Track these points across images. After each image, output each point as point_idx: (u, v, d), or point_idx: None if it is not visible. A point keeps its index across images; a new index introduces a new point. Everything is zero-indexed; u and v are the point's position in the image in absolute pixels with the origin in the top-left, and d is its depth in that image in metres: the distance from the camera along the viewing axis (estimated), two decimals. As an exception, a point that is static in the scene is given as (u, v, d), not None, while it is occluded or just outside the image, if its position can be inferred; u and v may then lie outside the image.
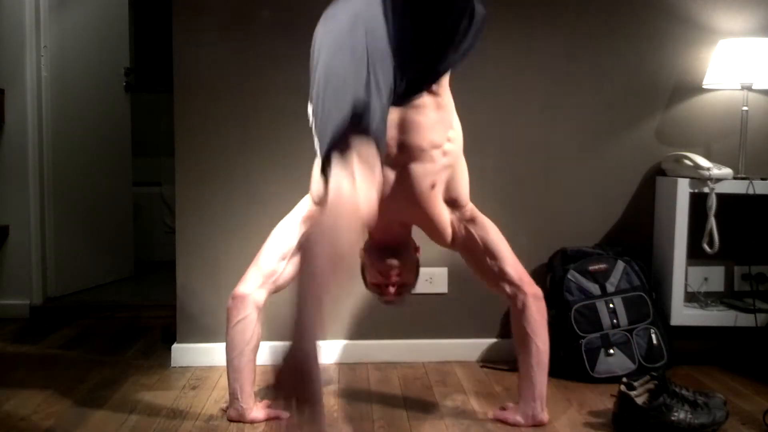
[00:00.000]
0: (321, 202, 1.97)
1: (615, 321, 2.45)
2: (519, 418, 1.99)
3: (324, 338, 2.62)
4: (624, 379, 1.99)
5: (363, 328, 2.59)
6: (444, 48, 1.78)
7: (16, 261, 3.37)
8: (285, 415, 2.04)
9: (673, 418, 1.89)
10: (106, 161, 3.95)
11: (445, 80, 1.92)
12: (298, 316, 1.40)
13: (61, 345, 2.84)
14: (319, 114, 1.64)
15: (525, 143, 2.63)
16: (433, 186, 1.89)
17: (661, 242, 2.60)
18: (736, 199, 2.51)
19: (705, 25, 2.62)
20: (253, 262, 2.00)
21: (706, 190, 2.44)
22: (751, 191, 2.43)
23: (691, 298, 2.63)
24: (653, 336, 2.44)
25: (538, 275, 2.55)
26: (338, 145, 1.55)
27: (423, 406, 2.16)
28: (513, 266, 1.98)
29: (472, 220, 2.00)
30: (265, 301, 1.98)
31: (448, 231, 1.99)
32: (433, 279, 2.58)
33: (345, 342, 2.61)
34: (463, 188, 1.99)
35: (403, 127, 1.83)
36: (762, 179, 2.47)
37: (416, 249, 2.04)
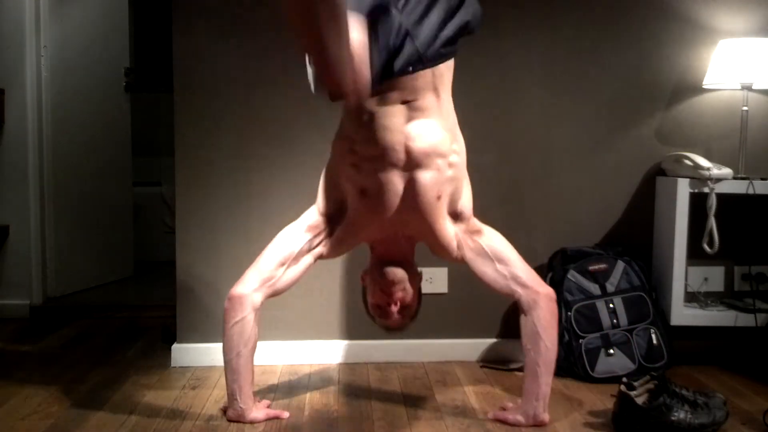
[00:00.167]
0: (326, 214, 2.00)
1: (615, 321, 2.45)
2: (519, 418, 1.99)
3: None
4: (624, 379, 1.99)
5: (363, 328, 2.58)
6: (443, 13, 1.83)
7: (16, 261, 3.37)
8: (285, 414, 2.05)
9: (673, 418, 1.89)
10: (106, 161, 3.95)
11: (446, 81, 1.93)
12: None
13: (61, 345, 2.84)
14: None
15: (525, 143, 2.63)
16: (438, 197, 1.91)
17: (661, 242, 2.60)
18: (736, 199, 2.51)
19: (705, 25, 2.62)
20: (253, 264, 2.01)
21: (706, 190, 2.44)
22: (751, 191, 2.43)
23: (691, 298, 2.63)
24: (653, 336, 2.44)
25: (538, 275, 2.54)
26: None
27: (423, 406, 2.16)
28: (523, 269, 2.00)
29: (478, 231, 2.02)
30: (261, 304, 1.98)
31: (453, 245, 2.01)
32: (433, 279, 2.58)
33: (345, 342, 2.62)
34: (467, 201, 2.02)
35: (410, 133, 1.85)
36: (762, 179, 2.47)
37: (419, 275, 2.07)
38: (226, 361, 1.99)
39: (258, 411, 2.02)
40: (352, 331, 2.62)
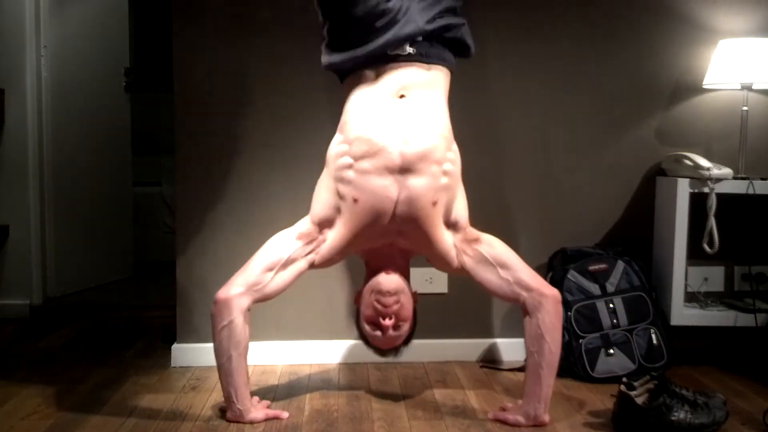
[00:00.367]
0: (320, 223, 1.99)
1: (615, 321, 2.45)
2: (520, 418, 1.99)
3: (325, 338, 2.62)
4: (624, 379, 1.99)
5: (363, 328, 2.58)
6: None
7: (16, 261, 3.37)
8: (284, 415, 2.05)
9: (673, 418, 1.89)
10: (106, 161, 3.95)
11: (442, 85, 1.96)
12: None
13: (61, 345, 2.84)
14: None
15: (525, 143, 2.63)
16: (434, 204, 1.92)
17: (661, 242, 2.60)
18: (736, 199, 2.51)
19: (705, 25, 2.62)
20: (241, 269, 2.01)
21: (706, 190, 2.44)
22: (751, 191, 2.43)
23: (691, 298, 2.63)
24: (653, 336, 2.44)
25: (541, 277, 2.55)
26: None
27: (423, 406, 2.16)
28: (527, 272, 2.00)
29: (476, 240, 2.02)
30: (249, 307, 1.98)
31: (452, 255, 2.01)
32: (433, 279, 2.58)
33: (345, 342, 2.61)
34: (463, 212, 2.03)
35: (404, 136, 1.89)
36: (762, 179, 2.47)
37: (415, 294, 2.06)
38: (218, 365, 1.99)
39: (257, 411, 2.02)
40: (352, 331, 2.61)
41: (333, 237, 1.99)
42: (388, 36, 1.93)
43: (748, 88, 2.51)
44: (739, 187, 2.44)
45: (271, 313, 2.51)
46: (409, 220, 1.92)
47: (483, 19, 2.53)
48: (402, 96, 1.94)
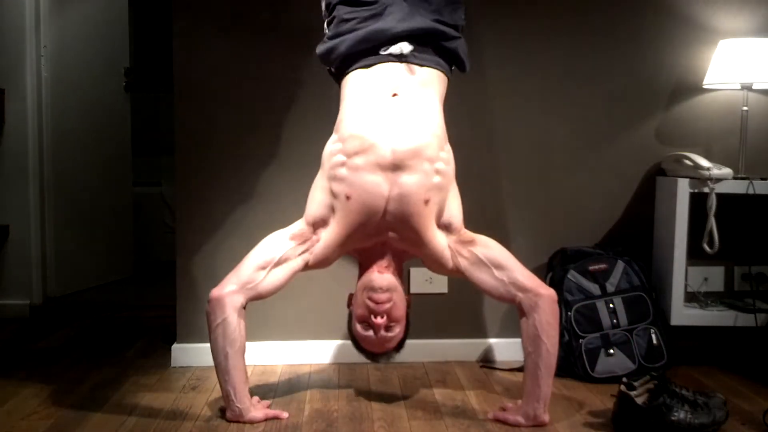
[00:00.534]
0: (314, 223, 2.00)
1: (615, 321, 2.45)
2: (519, 418, 1.99)
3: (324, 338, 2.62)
4: (624, 379, 1.99)
5: (363, 328, 2.58)
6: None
7: (16, 261, 3.37)
8: (284, 415, 2.05)
9: (673, 418, 1.89)
10: (106, 161, 3.95)
11: (436, 86, 1.97)
12: None
13: (61, 345, 2.84)
14: None
15: (525, 143, 2.63)
16: (426, 202, 1.93)
17: (661, 242, 2.60)
18: (736, 199, 2.51)
19: (705, 25, 2.62)
20: (234, 268, 2.01)
21: (706, 190, 2.44)
22: (751, 191, 2.43)
23: (691, 298, 2.63)
24: (653, 336, 2.44)
25: (538, 275, 2.53)
26: None
27: (423, 406, 2.16)
28: (522, 273, 2.00)
29: (471, 241, 2.03)
30: (243, 305, 1.98)
31: (446, 256, 2.02)
32: (433, 279, 2.58)
33: (345, 342, 2.61)
34: (457, 213, 2.03)
35: (396, 132, 1.91)
36: (762, 179, 2.47)
37: (408, 298, 2.06)
38: (216, 364, 1.99)
39: (257, 411, 2.02)
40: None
41: (327, 236, 2.00)
42: (376, 26, 1.98)
43: (748, 88, 2.51)
44: (739, 187, 2.44)
45: (271, 313, 2.51)
46: (401, 217, 1.93)
47: (483, 18, 2.53)
48: (395, 95, 1.97)
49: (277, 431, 1.96)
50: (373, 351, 2.05)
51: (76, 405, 2.14)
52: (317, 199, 2.01)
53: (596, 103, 2.64)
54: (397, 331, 2.01)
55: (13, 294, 3.36)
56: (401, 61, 1.99)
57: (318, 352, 2.61)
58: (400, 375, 2.46)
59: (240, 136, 2.56)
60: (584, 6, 2.61)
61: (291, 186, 2.54)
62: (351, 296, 2.06)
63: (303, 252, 2.01)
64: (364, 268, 2.06)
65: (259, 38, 2.53)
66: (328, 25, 2.11)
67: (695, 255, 2.52)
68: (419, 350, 2.61)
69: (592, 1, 2.61)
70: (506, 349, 2.63)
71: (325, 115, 2.47)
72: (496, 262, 2.00)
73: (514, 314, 2.61)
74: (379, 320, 1.95)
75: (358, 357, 2.58)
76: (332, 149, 1.99)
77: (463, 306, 2.63)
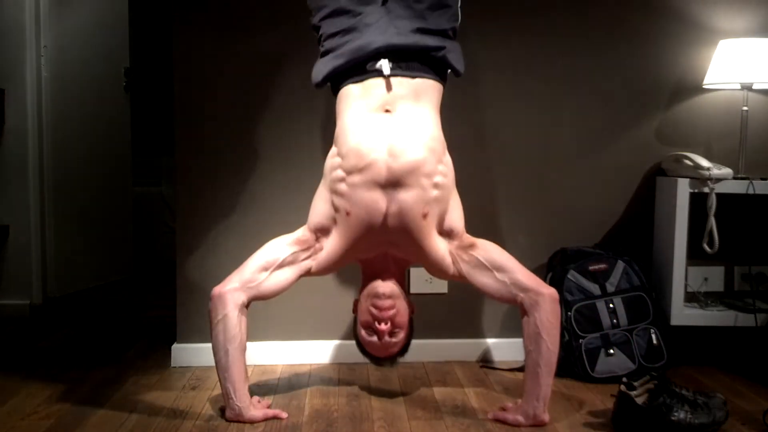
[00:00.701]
0: (317, 231, 2.02)
1: (615, 321, 2.45)
2: (519, 418, 1.99)
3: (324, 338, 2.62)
4: (624, 379, 1.99)
5: (363, 328, 2.58)
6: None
7: (16, 261, 3.37)
8: (284, 415, 2.05)
9: (673, 418, 1.89)
10: (106, 161, 3.96)
11: (430, 96, 1.98)
12: None
13: (61, 345, 2.84)
14: None
15: (525, 143, 2.63)
16: (424, 216, 1.94)
17: (661, 242, 2.60)
18: (736, 199, 2.51)
19: (705, 25, 2.62)
20: (238, 268, 2.03)
21: (706, 190, 2.44)
22: (751, 191, 2.43)
23: (691, 298, 2.63)
24: (653, 336, 2.44)
25: (538, 275, 2.53)
26: None
27: (423, 406, 2.16)
28: (523, 274, 2.00)
29: (471, 246, 2.04)
30: (245, 303, 1.99)
31: (447, 262, 2.03)
32: (433, 279, 2.57)
33: (345, 342, 2.61)
34: (458, 220, 2.04)
35: (391, 149, 1.92)
36: (762, 179, 2.47)
37: (412, 305, 2.08)
38: (216, 361, 2.00)
39: (256, 410, 2.02)
40: (351, 331, 2.61)
41: (329, 246, 2.03)
42: (358, 42, 1.98)
43: (748, 88, 2.51)
44: (739, 187, 2.44)
45: (271, 313, 2.51)
46: (400, 232, 1.95)
47: (482, 18, 2.53)
48: (387, 111, 1.97)
49: (277, 431, 1.97)
50: (378, 355, 2.08)
51: (76, 405, 2.14)
52: (320, 209, 2.03)
53: (596, 103, 2.64)
54: (401, 336, 2.04)
55: (13, 294, 3.36)
56: (390, 76, 1.98)
57: (318, 352, 2.61)
58: (400, 375, 2.46)
59: (240, 136, 2.56)
60: (584, 6, 2.60)
61: (291, 186, 2.55)
62: (356, 302, 2.10)
63: (306, 258, 2.04)
64: (367, 275, 2.08)
65: (259, 38, 2.53)
66: (319, 44, 2.10)
67: (695, 255, 2.52)
68: (419, 350, 2.61)
69: (593, 1, 2.61)
70: (506, 349, 2.63)
71: (325, 115, 2.48)
72: (496, 264, 2.00)
73: (514, 314, 2.62)
74: (383, 327, 1.98)
75: (358, 357, 2.58)
76: (333, 163, 2.00)
77: (462, 306, 2.63)
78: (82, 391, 2.27)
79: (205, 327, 2.56)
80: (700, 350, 2.64)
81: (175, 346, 2.58)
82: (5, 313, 3.30)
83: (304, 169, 2.53)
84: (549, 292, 1.98)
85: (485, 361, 2.63)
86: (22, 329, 3.10)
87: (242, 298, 1.98)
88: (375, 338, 2.01)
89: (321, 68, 2.06)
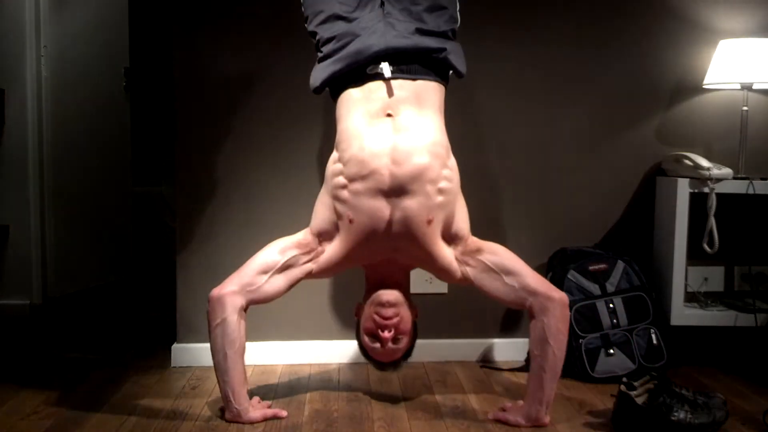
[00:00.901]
0: (319, 235, 2.00)
1: (615, 321, 2.45)
2: (520, 419, 1.99)
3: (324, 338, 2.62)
4: (624, 379, 1.99)
5: (363, 328, 2.58)
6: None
7: (16, 261, 3.36)
8: (283, 414, 2.05)
9: (673, 418, 1.89)
10: (106, 161, 3.95)
11: (433, 99, 1.97)
12: None
13: (61, 345, 2.84)
14: None
15: (525, 143, 2.63)
16: (429, 222, 1.92)
17: (661, 242, 2.60)
18: (736, 199, 2.51)
19: (705, 25, 2.62)
20: (237, 270, 2.02)
21: (706, 190, 2.44)
22: (751, 191, 2.43)
23: (691, 298, 2.63)
24: (653, 336, 2.44)
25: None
26: None
27: (423, 406, 2.16)
28: (533, 277, 1.98)
29: (478, 250, 2.01)
30: (244, 306, 1.98)
31: (453, 266, 2.01)
32: (433, 279, 2.57)
33: (345, 342, 2.61)
34: (463, 224, 2.02)
35: (394, 156, 1.89)
36: (762, 179, 2.47)
37: (415, 309, 2.06)
38: (215, 364, 1.99)
39: (255, 411, 2.02)
40: (352, 331, 2.61)
41: (331, 251, 2.01)
42: (356, 46, 1.96)
43: (748, 88, 2.51)
44: (739, 187, 2.44)
45: (271, 313, 2.51)
46: (405, 239, 1.93)
47: (483, 18, 2.53)
48: (389, 114, 1.94)
49: (277, 431, 1.96)
50: (381, 361, 2.06)
51: (76, 405, 2.14)
52: (322, 214, 2.01)
53: (596, 103, 2.64)
54: (404, 342, 2.02)
55: (13, 294, 3.36)
56: (389, 80, 1.96)
57: (318, 352, 2.61)
58: (400, 375, 2.46)
59: (240, 136, 2.56)
60: (584, 6, 2.60)
61: (291, 186, 2.55)
62: (359, 306, 2.07)
63: (307, 261, 2.02)
64: (370, 281, 2.07)
65: (259, 38, 2.53)
66: (316, 49, 2.08)
67: (695, 255, 2.52)
68: (419, 350, 2.59)
69: (593, 0, 2.61)
70: (506, 349, 2.63)
71: (325, 115, 2.48)
72: (505, 268, 1.98)
73: (514, 315, 2.63)
74: (387, 334, 1.96)
75: (358, 357, 2.59)
76: (334, 170, 1.97)
77: (463, 306, 2.63)
78: (81, 392, 2.27)
79: (204, 327, 2.56)
80: (700, 350, 2.64)
81: (175, 347, 2.58)
82: (5, 313, 3.30)
83: (305, 169, 2.53)
84: (559, 296, 1.96)
85: (485, 361, 2.63)
86: (22, 329, 3.10)
87: (241, 302, 1.97)
88: (378, 345, 1.99)
89: (319, 74, 2.04)
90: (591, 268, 2.50)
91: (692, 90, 2.64)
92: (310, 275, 2.04)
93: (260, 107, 2.55)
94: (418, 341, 2.38)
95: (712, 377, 2.44)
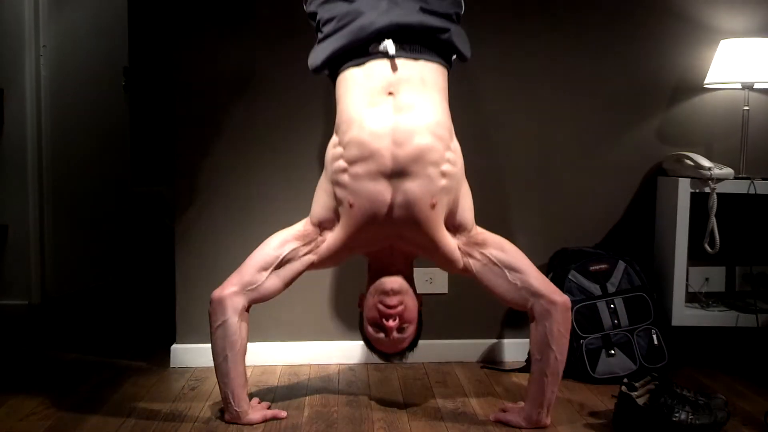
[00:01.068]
0: (320, 224, 1.97)
1: (616, 321, 2.44)
2: (521, 421, 1.98)
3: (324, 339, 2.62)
4: (625, 380, 1.99)
5: (363, 328, 2.58)
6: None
7: (15, 261, 3.37)
8: (283, 414, 2.04)
9: (674, 418, 1.89)
10: (106, 161, 3.95)
11: (436, 80, 1.93)
12: None
13: (61, 345, 2.83)
14: None
15: (526, 143, 2.62)
16: (433, 206, 1.87)
17: (662, 242, 2.59)
18: (737, 199, 2.50)
19: (706, 24, 2.62)
20: (237, 268, 1.99)
21: (707, 190, 2.43)
22: (752, 191, 2.43)
23: (692, 298, 2.62)
24: (654, 336, 2.44)
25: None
26: None
27: (423, 407, 2.15)
28: (537, 277, 1.95)
29: (483, 243, 1.97)
30: (245, 307, 1.96)
31: (456, 256, 1.96)
32: (433, 279, 2.57)
33: (345, 343, 2.61)
34: (468, 213, 1.97)
35: (396, 137, 1.84)
36: (763, 179, 2.47)
37: (419, 298, 2.02)
38: (215, 366, 1.98)
39: (255, 413, 2.01)
40: (352, 331, 2.61)
41: (332, 239, 1.97)
42: (358, 22, 1.89)
43: (749, 87, 2.50)
44: (740, 187, 2.44)
45: (271, 313, 2.51)
46: (408, 223, 1.87)
47: (483, 18, 2.53)
48: (390, 93, 1.87)
49: (277, 431, 1.96)
50: (387, 351, 2.02)
51: (75, 405, 2.13)
52: (322, 201, 1.97)
53: (597, 103, 2.63)
54: (410, 331, 1.98)
55: (13, 294, 3.36)
56: (393, 57, 1.89)
57: (318, 353, 2.60)
58: (400, 376, 2.46)
59: (240, 135, 2.55)
60: (585, 5, 2.60)
61: (291, 186, 2.54)
62: (362, 297, 2.03)
63: (307, 252, 1.98)
64: (373, 269, 2.02)
65: (259, 38, 2.53)
66: (316, 31, 2.03)
67: (696, 255, 2.52)
68: (419, 351, 2.58)
69: (594, 1, 2.60)
70: (507, 349, 2.63)
71: (324, 115, 2.47)
72: (509, 264, 1.94)
73: (515, 315, 2.62)
74: (391, 323, 1.92)
75: (358, 358, 2.59)
76: (334, 153, 1.92)
77: (463, 306, 2.62)
78: (81, 392, 2.26)
79: (204, 327, 2.55)
80: (702, 351, 2.64)
81: (175, 347, 2.57)
82: (4, 313, 3.30)
83: (305, 168, 2.53)
84: (562, 300, 1.92)
85: (486, 361, 2.62)
86: (21, 329, 3.10)
87: (242, 302, 1.95)
88: (383, 335, 1.94)
89: (319, 53, 1.97)
90: (592, 268, 2.49)
91: (693, 90, 2.64)
92: (312, 266, 2.00)
93: (260, 107, 2.55)
94: (419, 341, 2.38)
95: (714, 378, 2.43)
